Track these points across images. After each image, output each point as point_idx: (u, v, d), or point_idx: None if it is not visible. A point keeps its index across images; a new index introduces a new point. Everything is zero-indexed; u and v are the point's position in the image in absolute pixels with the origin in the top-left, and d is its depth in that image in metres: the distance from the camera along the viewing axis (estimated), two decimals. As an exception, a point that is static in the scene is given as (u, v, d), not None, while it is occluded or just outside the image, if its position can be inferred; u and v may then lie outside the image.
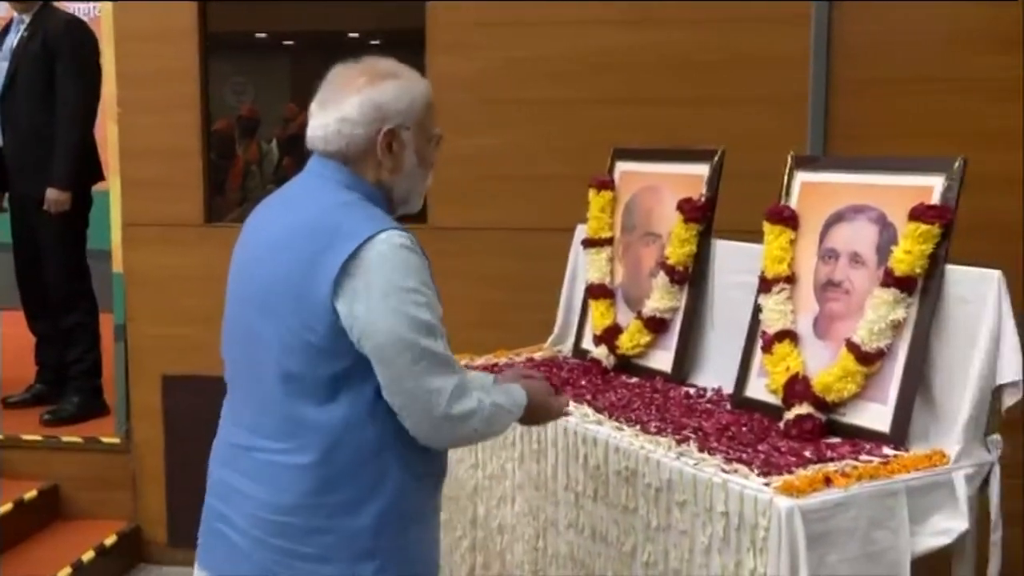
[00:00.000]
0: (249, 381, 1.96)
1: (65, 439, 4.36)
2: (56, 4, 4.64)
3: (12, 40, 4.50)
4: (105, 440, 4.34)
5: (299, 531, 1.87)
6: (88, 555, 3.98)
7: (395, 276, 1.81)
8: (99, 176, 4.63)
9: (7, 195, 4.64)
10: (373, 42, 5.26)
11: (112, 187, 4.23)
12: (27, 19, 4.49)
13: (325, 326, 1.81)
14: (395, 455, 1.89)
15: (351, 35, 5.20)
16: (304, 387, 1.86)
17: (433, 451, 1.95)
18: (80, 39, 4.50)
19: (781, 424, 2.42)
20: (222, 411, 2.06)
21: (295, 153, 4.58)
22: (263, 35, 5.11)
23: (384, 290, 1.80)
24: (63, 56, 4.40)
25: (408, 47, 4.13)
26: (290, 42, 5.35)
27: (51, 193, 4.36)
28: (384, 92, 1.92)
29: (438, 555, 2.06)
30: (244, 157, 4.99)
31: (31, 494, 4.18)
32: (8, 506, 4.02)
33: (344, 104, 1.91)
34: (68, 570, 3.83)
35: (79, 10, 5.68)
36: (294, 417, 1.87)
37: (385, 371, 1.82)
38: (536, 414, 2.12)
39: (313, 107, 1.96)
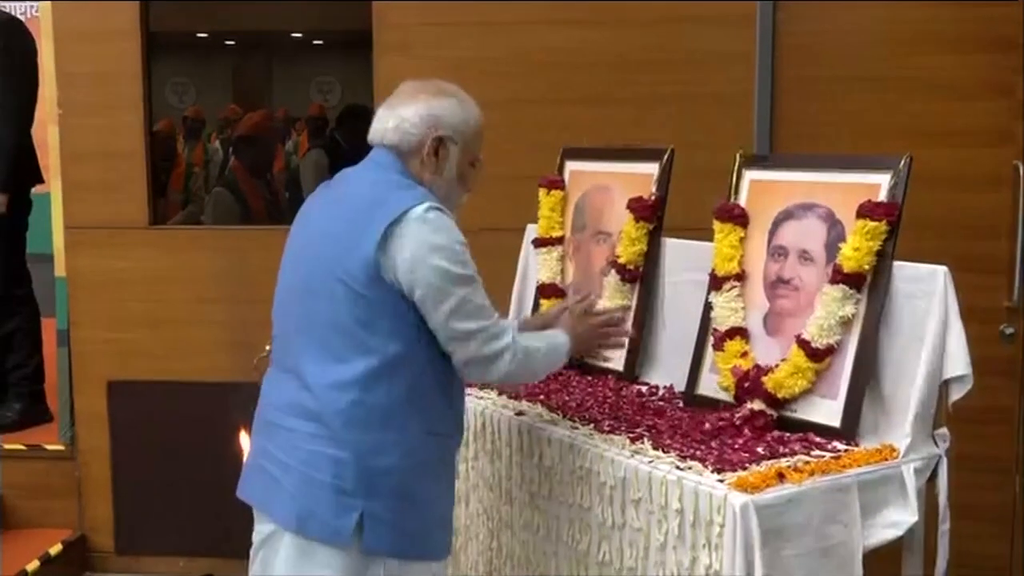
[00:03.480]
0: (301, 336, 2.19)
1: (8, 447, 4.27)
2: (-9, 4, 4.55)
3: (-53, 41, 4.40)
4: (49, 447, 4.27)
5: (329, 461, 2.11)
6: (33, 565, 3.90)
7: (432, 237, 2.09)
8: (38, 179, 4.54)
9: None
10: (317, 42, 5.23)
11: (53, 190, 4.17)
12: (-38, 20, 4.39)
13: (367, 278, 2.08)
14: (415, 410, 2.14)
15: (294, 35, 5.17)
16: (345, 339, 2.11)
17: (448, 412, 2.24)
18: (15, 39, 4.40)
19: (734, 420, 2.44)
20: (263, 388, 2.29)
21: (241, 154, 4.52)
22: (205, 35, 5.06)
23: (422, 249, 2.08)
24: None
25: (353, 47, 4.10)
26: (232, 42, 5.29)
27: (-13, 196, 4.27)
28: (442, 106, 2.24)
29: (450, 513, 2.31)
30: (189, 158, 4.92)
31: (-27, 504, 4.09)
32: (-51, 517, 3.95)
33: (405, 109, 2.23)
34: (12, 581, 3.76)
35: (16, 9, 5.56)
36: (339, 362, 2.11)
37: (430, 316, 2.12)
38: (585, 345, 2.57)
39: (380, 110, 2.28)
